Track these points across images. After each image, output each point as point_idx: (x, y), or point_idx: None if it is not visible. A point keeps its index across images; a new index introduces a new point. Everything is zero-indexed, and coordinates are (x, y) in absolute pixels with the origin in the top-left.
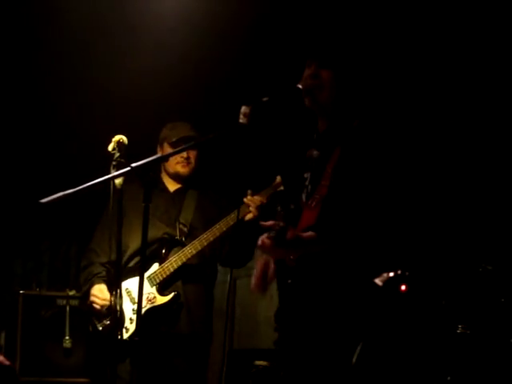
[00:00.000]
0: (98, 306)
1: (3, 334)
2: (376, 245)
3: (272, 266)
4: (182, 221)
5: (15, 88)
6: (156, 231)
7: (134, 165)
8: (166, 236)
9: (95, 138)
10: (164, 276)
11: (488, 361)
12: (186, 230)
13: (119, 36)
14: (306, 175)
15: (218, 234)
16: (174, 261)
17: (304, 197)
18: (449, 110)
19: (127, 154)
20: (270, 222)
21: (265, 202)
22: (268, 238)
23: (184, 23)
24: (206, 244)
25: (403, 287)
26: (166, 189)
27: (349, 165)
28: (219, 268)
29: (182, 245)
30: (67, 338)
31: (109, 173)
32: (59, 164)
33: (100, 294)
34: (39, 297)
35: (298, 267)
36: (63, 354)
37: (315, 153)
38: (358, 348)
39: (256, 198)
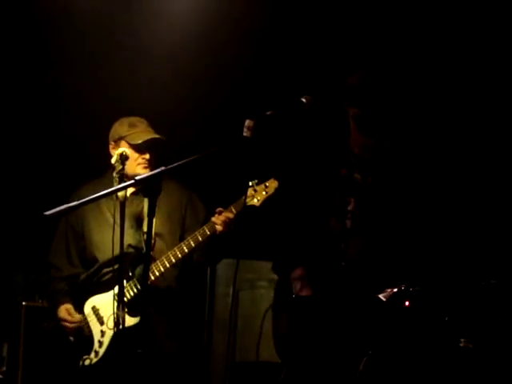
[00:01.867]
0: (69, 330)
1: (6, 346)
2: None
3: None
4: (145, 230)
5: (19, 98)
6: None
7: (137, 177)
8: (131, 250)
9: (99, 150)
10: (132, 295)
11: (491, 375)
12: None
13: (124, 45)
14: (348, 199)
15: (187, 250)
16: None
17: (349, 223)
18: (474, 132)
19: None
20: None
21: (232, 216)
22: None
23: (188, 32)
24: (174, 261)
25: (407, 303)
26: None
27: (400, 197)
28: (221, 280)
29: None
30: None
31: (99, 181)
32: (62, 176)
33: (68, 316)
34: (42, 308)
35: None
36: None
37: (358, 176)
38: (362, 363)
39: (223, 215)
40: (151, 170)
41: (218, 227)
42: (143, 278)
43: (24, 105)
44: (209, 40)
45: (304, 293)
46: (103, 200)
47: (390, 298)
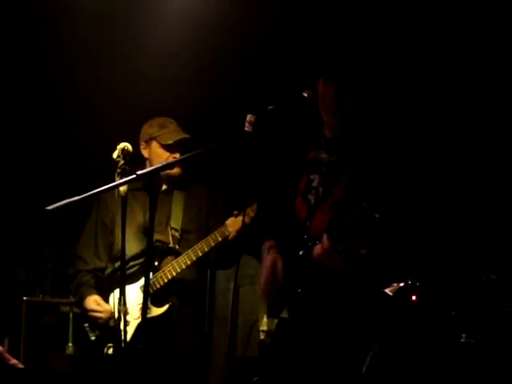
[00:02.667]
0: (101, 320)
1: (7, 341)
2: (388, 254)
3: (280, 265)
4: (173, 226)
5: (20, 94)
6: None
7: (139, 172)
8: (158, 244)
9: (100, 145)
10: (158, 286)
11: (492, 370)
12: (177, 235)
13: (126, 43)
14: (312, 177)
15: (213, 244)
16: (168, 271)
17: (312, 198)
18: (461, 121)
19: (132, 160)
20: None
21: (247, 221)
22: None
23: (189, 29)
24: (200, 254)
25: (414, 297)
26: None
27: (366, 171)
28: (222, 276)
29: (176, 253)
30: (70, 344)
31: (113, 180)
32: (62, 171)
33: (98, 306)
34: (43, 303)
35: (309, 277)
36: (66, 361)
37: (324, 156)
38: (368, 357)
39: (238, 219)
40: (181, 170)
41: (232, 232)
42: (145, 280)
43: (25, 102)
44: (210, 35)
45: (269, 259)
46: (132, 196)
47: (397, 292)
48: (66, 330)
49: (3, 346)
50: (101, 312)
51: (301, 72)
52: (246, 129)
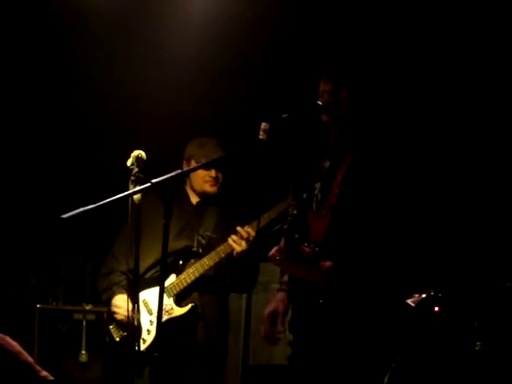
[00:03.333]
0: (121, 317)
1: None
2: (394, 265)
3: (281, 313)
4: (201, 233)
5: (37, 103)
6: (176, 243)
7: (154, 180)
8: (183, 248)
9: (114, 153)
10: (181, 287)
11: (507, 378)
12: (204, 241)
13: (143, 50)
14: (316, 185)
15: (235, 245)
16: (192, 272)
17: (314, 206)
18: (460, 123)
19: (147, 168)
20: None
21: (251, 235)
22: (281, 249)
23: (205, 37)
24: (223, 256)
25: (436, 308)
26: (189, 201)
27: (359, 174)
28: None
29: (199, 256)
30: (83, 352)
31: (127, 188)
32: (77, 179)
33: (124, 304)
34: (56, 311)
35: (331, 287)
36: (79, 368)
37: (327, 163)
38: (390, 368)
39: (238, 235)
40: (219, 188)
41: (236, 248)
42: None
43: (41, 111)
44: (224, 42)
45: (271, 306)
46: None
47: (419, 303)
48: (80, 338)
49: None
50: (122, 309)
51: (315, 80)
52: (261, 137)
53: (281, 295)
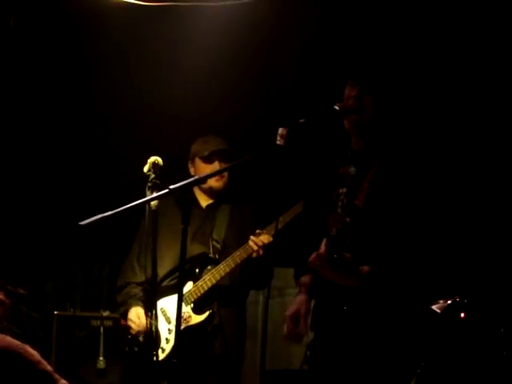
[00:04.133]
0: (133, 332)
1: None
2: (421, 270)
3: (303, 313)
4: (215, 237)
5: (54, 111)
6: (191, 250)
7: (171, 186)
8: (200, 255)
9: (131, 159)
10: (198, 295)
11: None
12: (219, 247)
13: (159, 56)
14: (341, 190)
15: (250, 251)
16: (208, 279)
17: (340, 210)
18: (482, 132)
19: (165, 174)
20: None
21: (270, 240)
22: (320, 255)
23: (222, 41)
24: (239, 261)
25: (462, 314)
26: (198, 205)
27: (385, 180)
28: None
29: (216, 262)
30: (101, 358)
31: (144, 194)
32: (96, 186)
33: (136, 318)
34: (73, 317)
35: (356, 294)
36: (97, 375)
37: (352, 169)
38: (416, 375)
39: (259, 238)
40: (225, 183)
41: (254, 250)
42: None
43: (59, 118)
44: (241, 49)
45: (293, 307)
46: (176, 207)
47: (445, 309)
48: (97, 344)
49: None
50: (135, 324)
51: (333, 85)
52: (278, 142)
53: (302, 297)
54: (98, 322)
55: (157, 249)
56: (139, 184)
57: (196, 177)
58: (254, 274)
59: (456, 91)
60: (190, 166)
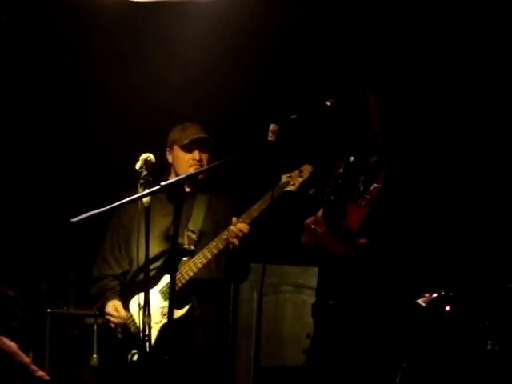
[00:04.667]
0: (112, 325)
1: (31, 353)
2: (419, 261)
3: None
4: (190, 228)
5: (45, 106)
6: (168, 243)
7: (163, 183)
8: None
9: (123, 156)
10: (176, 288)
11: None
12: (194, 237)
13: (150, 49)
14: (360, 178)
15: (228, 241)
16: (186, 272)
17: (356, 198)
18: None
19: (156, 171)
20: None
21: (247, 229)
22: (317, 219)
23: (212, 38)
24: (216, 252)
25: (447, 308)
26: None
27: (402, 171)
28: (246, 285)
29: (191, 253)
30: (95, 355)
31: (137, 191)
32: (86, 182)
33: (115, 311)
34: (67, 315)
35: (340, 288)
36: (90, 372)
37: (373, 159)
38: (402, 368)
39: (238, 226)
40: (205, 174)
41: (230, 240)
42: (171, 284)
43: (49, 114)
44: (232, 43)
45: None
46: (152, 202)
47: (430, 303)
48: (91, 342)
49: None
50: (114, 317)
51: (324, 80)
52: (270, 138)
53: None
54: (92, 320)
55: (130, 242)
56: (131, 181)
57: (188, 173)
58: (230, 266)
59: (464, 89)
60: (167, 153)
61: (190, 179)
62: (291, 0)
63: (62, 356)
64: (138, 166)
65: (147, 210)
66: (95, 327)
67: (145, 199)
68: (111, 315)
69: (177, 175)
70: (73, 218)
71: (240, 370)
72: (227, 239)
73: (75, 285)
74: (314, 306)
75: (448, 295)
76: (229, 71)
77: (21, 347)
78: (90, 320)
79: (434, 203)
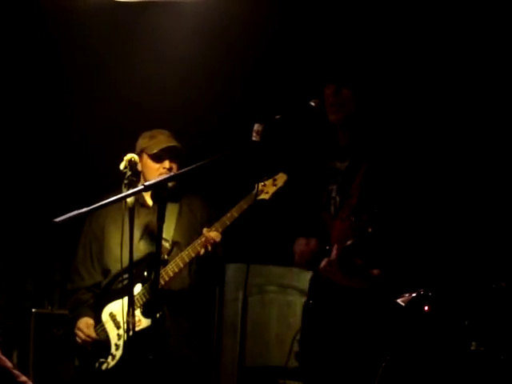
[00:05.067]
0: (79, 340)
1: (15, 353)
2: (398, 262)
3: (313, 240)
4: (163, 236)
5: (29, 105)
6: (139, 251)
7: (146, 183)
8: (147, 256)
9: (107, 156)
10: (147, 297)
11: (503, 379)
12: (167, 245)
13: (135, 49)
14: (330, 188)
15: (199, 249)
16: None
17: (333, 209)
18: (469, 125)
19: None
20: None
21: (218, 237)
22: (332, 262)
23: (197, 38)
24: (187, 260)
25: (426, 307)
26: (145, 203)
27: (378, 176)
28: (231, 285)
29: (165, 263)
30: None
31: (121, 191)
32: (70, 182)
33: (85, 328)
34: (51, 315)
35: (320, 288)
36: (75, 372)
37: (339, 165)
38: (381, 368)
39: (210, 234)
40: (174, 182)
41: (201, 252)
42: (153, 283)
43: (33, 113)
44: (216, 44)
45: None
46: (122, 208)
47: (409, 302)
48: (75, 342)
49: (12, 362)
50: (83, 334)
51: (308, 81)
52: (254, 138)
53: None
54: None
55: (103, 253)
56: (115, 181)
57: (171, 173)
58: (203, 272)
59: (441, 85)
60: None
61: (172, 180)
62: (276, 1)
63: (46, 356)
64: (122, 166)
65: (131, 210)
66: None
67: (129, 200)
68: (81, 331)
69: None
70: (56, 217)
71: (225, 370)
72: (200, 246)
73: (60, 285)
74: (304, 307)
75: (427, 295)
76: (215, 71)
77: (2, 352)
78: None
79: (413, 205)
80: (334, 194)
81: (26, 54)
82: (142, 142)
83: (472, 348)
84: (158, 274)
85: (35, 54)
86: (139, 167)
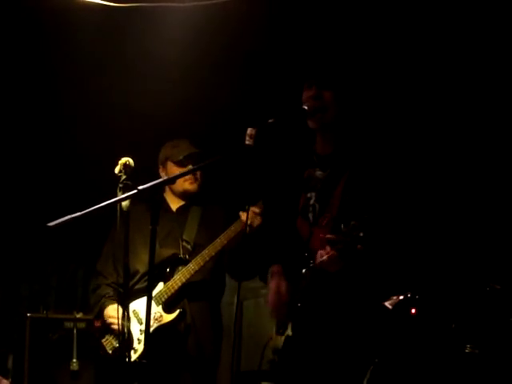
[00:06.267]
0: (115, 327)
1: (11, 357)
2: (386, 266)
3: (283, 287)
4: (185, 238)
5: (24, 108)
6: (162, 252)
7: (140, 187)
8: (170, 256)
9: (102, 160)
10: (169, 294)
11: (497, 380)
12: (189, 247)
13: (128, 55)
14: (309, 195)
15: (219, 247)
16: (178, 278)
17: (311, 216)
18: (454, 128)
19: (135, 175)
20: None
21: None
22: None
23: (188, 42)
24: (208, 259)
25: (413, 310)
26: (169, 208)
27: (359, 184)
28: (227, 289)
29: (186, 263)
30: (74, 360)
31: (116, 195)
32: (64, 187)
33: (116, 313)
34: (47, 320)
35: (308, 291)
36: (70, 377)
37: (319, 173)
38: (369, 371)
39: (250, 210)
40: (199, 186)
41: (255, 218)
42: (148, 289)
43: (28, 116)
44: (209, 48)
45: (273, 283)
46: (146, 209)
47: (396, 305)
48: (71, 346)
49: (8, 379)
50: (115, 318)
51: (302, 85)
52: (247, 142)
53: (276, 280)
54: (72, 324)
55: (130, 252)
56: (110, 185)
57: (165, 177)
58: (236, 260)
59: (425, 90)
60: (161, 170)
61: (167, 184)
62: (268, 2)
63: (41, 360)
64: (116, 170)
65: (126, 214)
66: (75, 331)
67: (124, 204)
68: (112, 317)
69: (173, 192)
70: (50, 222)
71: (221, 373)
72: (221, 244)
73: (55, 289)
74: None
75: (414, 298)
76: (207, 75)
77: None
78: (69, 324)
79: (398, 209)
80: (312, 202)
81: (19, 58)
82: (166, 151)
83: (467, 351)
84: (150, 296)
85: (28, 57)
86: (163, 176)
